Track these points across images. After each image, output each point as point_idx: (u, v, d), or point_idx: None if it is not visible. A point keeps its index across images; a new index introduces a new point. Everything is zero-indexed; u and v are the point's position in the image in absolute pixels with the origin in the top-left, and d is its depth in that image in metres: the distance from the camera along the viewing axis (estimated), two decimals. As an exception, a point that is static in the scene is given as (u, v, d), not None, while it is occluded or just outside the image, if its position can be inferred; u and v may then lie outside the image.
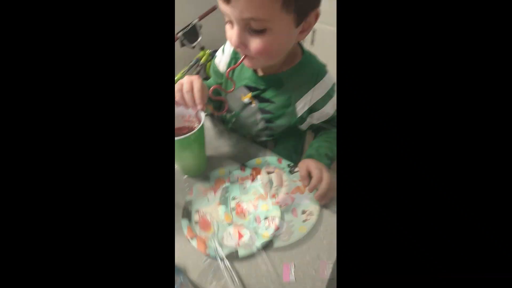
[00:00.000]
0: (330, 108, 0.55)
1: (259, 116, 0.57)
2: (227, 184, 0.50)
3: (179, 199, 0.48)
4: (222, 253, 0.40)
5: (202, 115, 0.45)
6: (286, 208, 0.46)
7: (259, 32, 0.39)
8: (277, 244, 0.41)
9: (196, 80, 0.44)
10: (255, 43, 0.41)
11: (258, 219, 0.45)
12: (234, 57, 0.57)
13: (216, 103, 0.56)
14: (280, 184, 0.48)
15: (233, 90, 0.50)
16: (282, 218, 0.45)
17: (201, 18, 1.45)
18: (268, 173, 0.51)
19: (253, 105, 0.57)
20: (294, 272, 0.39)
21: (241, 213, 0.46)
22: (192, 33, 1.43)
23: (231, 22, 0.41)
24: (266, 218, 0.45)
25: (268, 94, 0.55)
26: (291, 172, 0.51)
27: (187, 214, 0.46)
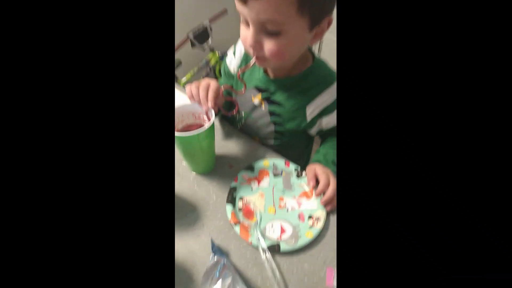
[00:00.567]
0: None
1: (268, 119, 0.57)
2: (273, 177, 0.51)
3: (187, 195, 0.48)
4: (264, 244, 0.40)
5: (213, 113, 0.46)
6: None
7: (274, 34, 0.40)
8: (283, 247, 0.40)
9: (213, 82, 0.47)
10: (269, 45, 0.42)
11: (301, 216, 0.45)
12: (245, 59, 0.58)
13: (226, 103, 0.56)
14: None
15: (244, 91, 0.50)
16: (327, 219, 0.45)
17: (211, 20, 1.47)
18: (275, 175, 0.51)
19: (263, 107, 0.57)
20: (298, 278, 0.38)
21: (284, 208, 0.47)
22: (202, 34, 1.44)
23: (246, 23, 0.42)
24: (310, 217, 0.45)
25: (278, 97, 0.55)
26: (298, 175, 0.51)
27: (232, 200, 0.46)
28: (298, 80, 0.53)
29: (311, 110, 0.54)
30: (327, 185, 0.46)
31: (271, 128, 0.58)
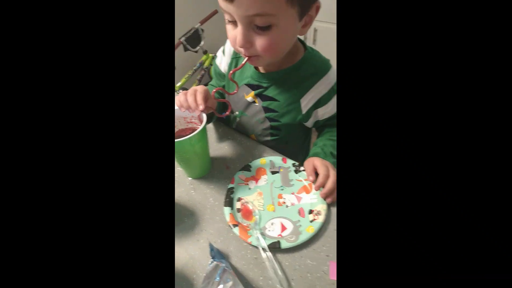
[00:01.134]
0: (335, 103, 0.54)
1: (262, 114, 0.56)
2: (271, 175, 0.50)
3: (185, 200, 0.47)
4: (264, 243, 0.39)
5: (204, 116, 0.45)
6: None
7: (265, 28, 0.39)
8: (284, 245, 0.39)
9: (199, 86, 0.47)
10: (261, 41, 0.40)
11: (302, 211, 0.44)
12: (235, 57, 0.57)
13: (219, 104, 0.55)
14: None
15: (236, 92, 0.50)
16: (328, 212, 0.44)
17: (202, 22, 1.46)
18: (273, 173, 0.50)
19: (256, 104, 0.56)
20: (301, 274, 0.37)
21: (283, 205, 0.46)
22: (194, 38, 1.44)
23: (233, 22, 0.41)
24: (311, 211, 0.44)
25: (271, 92, 0.54)
26: (297, 171, 0.50)
27: (229, 202, 0.46)
28: (290, 72, 0.51)
29: (306, 102, 0.53)
30: (327, 177, 0.45)
31: (267, 124, 0.57)
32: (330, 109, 0.54)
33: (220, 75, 0.62)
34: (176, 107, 0.47)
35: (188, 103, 0.45)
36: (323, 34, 1.56)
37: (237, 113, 0.60)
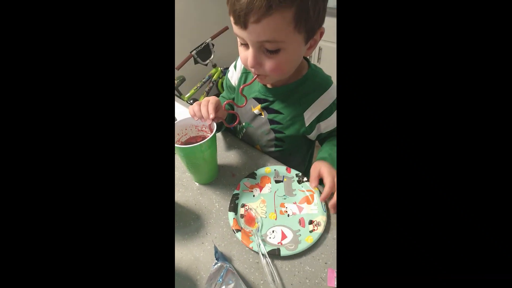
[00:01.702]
0: (336, 117, 0.57)
1: (268, 126, 0.60)
2: (275, 184, 0.53)
3: (192, 204, 0.49)
4: (264, 249, 0.41)
5: (214, 125, 0.49)
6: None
7: (274, 52, 0.43)
8: (284, 252, 0.41)
9: (212, 97, 0.51)
10: (270, 63, 0.45)
11: (302, 221, 0.46)
12: (245, 72, 0.61)
13: (228, 115, 0.59)
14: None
15: (245, 105, 0.53)
16: (327, 223, 0.45)
17: (213, 37, 1.53)
18: (277, 182, 0.52)
19: (263, 116, 0.59)
20: (300, 280, 0.39)
21: (285, 213, 0.48)
22: (205, 52, 1.50)
23: (245, 45, 0.45)
24: (311, 222, 0.46)
25: (276, 106, 0.58)
26: (300, 182, 0.52)
27: (234, 207, 0.48)
28: (294, 87, 0.55)
29: (309, 115, 0.56)
30: (333, 188, 0.45)
31: (272, 135, 0.60)
32: (332, 122, 0.57)
33: (231, 88, 0.66)
34: (189, 116, 0.51)
35: (201, 112, 0.48)
36: (327, 53, 1.64)
37: (244, 124, 0.64)
